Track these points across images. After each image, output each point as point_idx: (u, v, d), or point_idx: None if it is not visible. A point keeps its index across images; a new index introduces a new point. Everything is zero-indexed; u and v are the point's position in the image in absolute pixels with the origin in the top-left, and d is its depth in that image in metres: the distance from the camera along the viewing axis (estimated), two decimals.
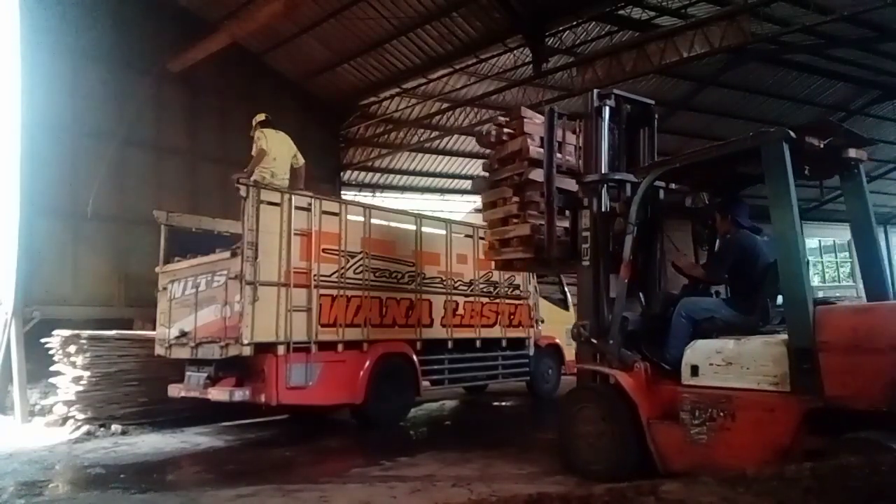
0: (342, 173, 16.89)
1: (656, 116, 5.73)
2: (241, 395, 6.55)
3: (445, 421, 8.95)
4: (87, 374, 7.57)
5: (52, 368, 7.90)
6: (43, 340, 8.05)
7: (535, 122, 5.86)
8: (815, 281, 25.95)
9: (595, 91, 5.39)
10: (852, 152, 4.41)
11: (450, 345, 8.46)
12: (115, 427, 7.43)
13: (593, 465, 4.71)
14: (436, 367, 8.29)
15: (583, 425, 4.83)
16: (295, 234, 6.85)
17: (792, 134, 4.03)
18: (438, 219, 8.75)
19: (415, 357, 7.91)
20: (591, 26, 12.57)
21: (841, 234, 27.13)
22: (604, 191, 5.11)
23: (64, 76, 10.56)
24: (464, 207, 17.92)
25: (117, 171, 11.10)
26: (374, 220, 7.84)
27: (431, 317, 8.29)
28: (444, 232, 8.69)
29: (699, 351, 4.35)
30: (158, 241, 8.01)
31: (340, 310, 7.20)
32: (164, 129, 12.19)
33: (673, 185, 5.51)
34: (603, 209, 5.06)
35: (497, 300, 9.25)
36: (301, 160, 8.14)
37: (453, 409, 9.69)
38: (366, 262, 7.57)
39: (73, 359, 7.67)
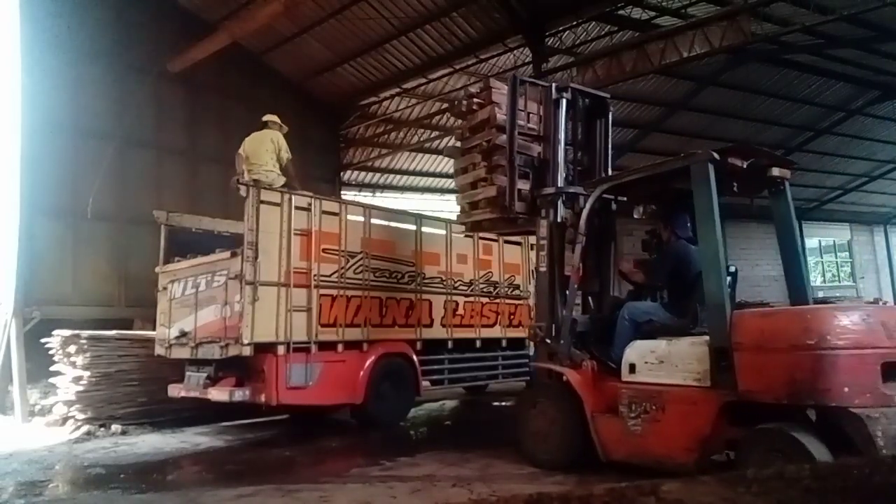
0: (342, 173, 16.89)
1: (611, 109, 6.24)
2: (241, 395, 6.56)
3: (445, 421, 8.95)
4: (87, 374, 7.57)
5: (52, 368, 7.90)
6: (43, 340, 8.05)
7: (502, 92, 6.10)
8: (816, 281, 25.95)
9: (553, 85, 5.82)
10: (776, 171, 4.82)
11: (450, 345, 8.46)
12: (115, 427, 7.43)
13: (545, 455, 5.15)
14: (436, 367, 8.30)
15: (536, 419, 5.28)
16: (295, 234, 6.86)
17: (716, 156, 4.44)
18: (438, 219, 8.75)
19: (415, 357, 7.91)
20: (591, 26, 12.57)
21: (841, 233, 27.15)
22: (559, 202, 5.59)
23: (64, 76, 10.56)
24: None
25: (117, 171, 11.10)
26: (374, 220, 7.84)
27: (431, 317, 8.30)
28: (444, 232, 8.69)
29: (636, 350, 4.79)
30: (158, 241, 8.01)
31: (340, 310, 7.21)
32: (164, 129, 12.20)
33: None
34: (559, 220, 5.53)
35: (497, 300, 9.26)
36: (285, 156, 7.83)
37: (453, 409, 9.69)
38: (366, 262, 7.57)
39: (73, 359, 7.68)
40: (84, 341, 7.68)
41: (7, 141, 9.66)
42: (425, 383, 8.19)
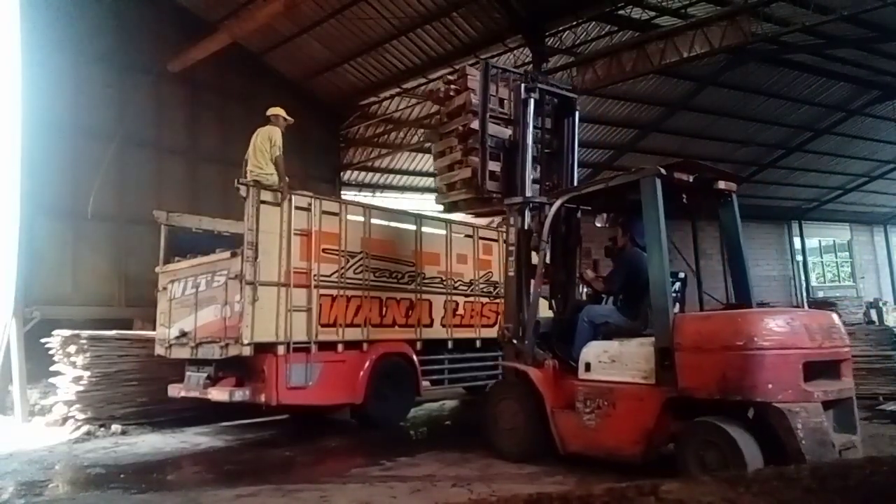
0: (342, 173, 16.89)
1: (578, 108, 6.54)
2: (241, 395, 6.55)
3: (445, 421, 8.95)
4: (87, 374, 7.57)
5: (52, 368, 7.90)
6: (43, 340, 8.05)
7: (477, 80, 6.38)
8: (815, 281, 25.96)
9: (522, 85, 6.04)
10: (722, 184, 5.19)
11: (450, 345, 8.46)
12: (115, 427, 7.43)
13: (509, 448, 5.49)
14: (436, 367, 8.29)
15: (502, 414, 5.62)
16: (295, 234, 6.85)
17: (663, 171, 4.79)
18: (438, 219, 8.74)
19: (415, 357, 7.90)
20: (591, 26, 12.58)
21: (841, 233, 27.15)
22: (526, 211, 5.91)
23: (64, 76, 10.57)
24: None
25: (117, 171, 11.11)
26: (374, 220, 7.83)
27: (431, 317, 8.29)
28: (444, 232, 8.69)
29: (592, 350, 5.13)
30: (158, 241, 8.01)
31: (340, 310, 7.20)
32: (164, 129, 12.20)
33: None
34: (526, 227, 5.86)
35: (497, 300, 9.23)
36: (276, 152, 7.25)
37: (453, 409, 9.68)
38: (366, 262, 7.56)
39: (73, 359, 7.67)
40: (84, 341, 7.68)
41: (7, 141, 9.66)
42: (425, 383, 8.18)
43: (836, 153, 21.12)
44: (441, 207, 7.23)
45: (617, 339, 5.05)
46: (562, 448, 5.13)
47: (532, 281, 5.65)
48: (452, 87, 6.66)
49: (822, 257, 27.27)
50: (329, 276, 7.16)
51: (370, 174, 17.85)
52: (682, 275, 5.48)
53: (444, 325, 8.42)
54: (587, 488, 4.47)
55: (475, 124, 6.22)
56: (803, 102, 17.54)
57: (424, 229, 8.41)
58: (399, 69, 13.66)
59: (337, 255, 7.27)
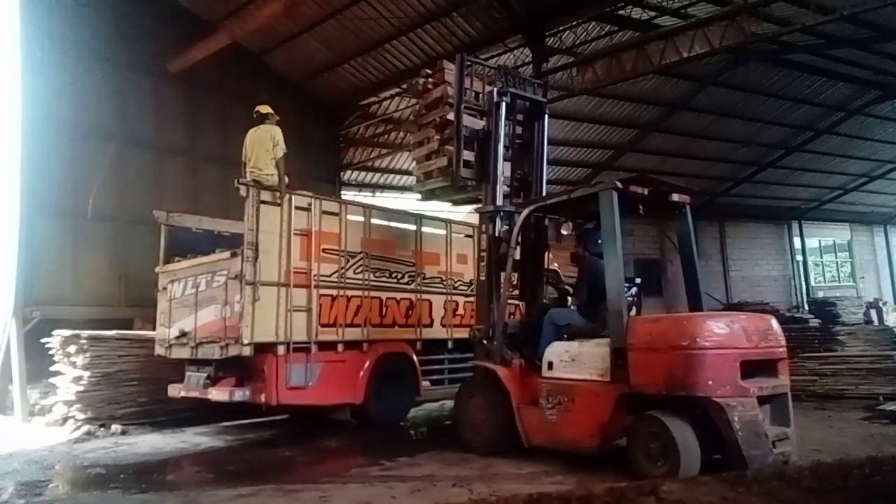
0: (342, 173, 16.88)
1: (546, 113, 6.86)
2: (241, 395, 6.56)
3: (445, 421, 8.93)
4: (87, 374, 7.58)
5: (52, 368, 7.90)
6: (43, 340, 8.05)
7: (454, 73, 6.64)
8: (815, 281, 25.95)
9: (494, 90, 6.38)
10: (675, 197, 5.57)
11: (450, 345, 8.46)
12: (115, 427, 7.43)
13: (478, 442, 5.83)
14: (436, 367, 8.29)
15: (472, 411, 6.00)
16: (295, 234, 6.86)
17: (620, 185, 5.15)
18: (438, 219, 8.74)
19: (415, 357, 7.91)
20: (591, 26, 12.57)
21: (841, 233, 27.15)
22: (497, 219, 6.20)
23: (64, 76, 10.56)
24: (464, 207, 17.89)
25: (117, 171, 11.10)
26: (374, 220, 7.84)
27: (431, 317, 8.30)
28: (444, 232, 8.69)
29: (555, 350, 5.48)
30: (158, 241, 8.01)
31: (340, 310, 7.21)
32: (164, 129, 12.19)
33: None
34: (497, 234, 6.16)
35: None
36: (280, 151, 7.17)
37: (453, 410, 9.66)
38: (366, 262, 7.57)
39: (73, 359, 7.68)
40: (84, 341, 7.68)
41: (7, 141, 9.66)
42: (425, 383, 8.18)
43: (836, 153, 21.10)
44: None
45: (577, 340, 5.41)
46: (526, 441, 5.46)
47: (502, 285, 6.01)
48: (430, 80, 6.97)
49: (822, 257, 27.26)
50: (329, 276, 7.16)
51: (370, 174, 17.84)
52: (638, 280, 5.95)
53: (444, 325, 8.43)
54: (587, 488, 4.47)
55: (451, 116, 6.51)
56: (803, 102, 17.52)
57: (424, 229, 8.41)
58: (399, 69, 13.64)
59: (337, 255, 7.28)
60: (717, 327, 4.59)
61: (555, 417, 5.24)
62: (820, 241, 26.95)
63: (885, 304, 21.42)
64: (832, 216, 26.07)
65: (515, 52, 12.81)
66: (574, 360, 5.27)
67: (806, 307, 21.83)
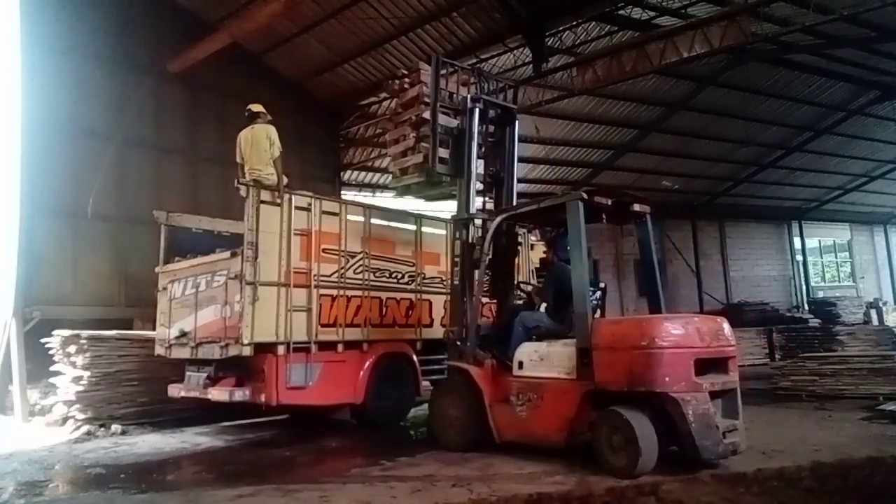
0: (342, 173, 16.88)
1: (517, 119, 7.17)
2: (241, 395, 6.55)
3: None
4: (87, 374, 7.57)
5: (52, 368, 7.90)
6: (43, 340, 8.05)
7: (429, 74, 6.88)
8: (815, 281, 25.96)
9: (468, 97, 6.74)
10: (637, 207, 5.95)
11: None
12: (115, 427, 7.43)
13: (452, 439, 6.05)
14: (436, 367, 8.26)
15: (447, 409, 6.21)
16: (295, 233, 6.85)
17: (585, 196, 5.45)
18: (438, 219, 8.73)
19: (415, 357, 7.91)
20: (591, 26, 12.57)
21: (841, 233, 27.17)
22: (471, 226, 6.47)
23: (64, 76, 10.56)
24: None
25: (117, 171, 11.10)
26: (374, 220, 7.84)
27: (431, 317, 8.29)
28: (444, 232, 8.67)
29: (524, 350, 5.74)
30: (158, 241, 8.00)
31: (340, 310, 7.20)
32: (164, 129, 12.20)
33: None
34: (470, 240, 6.42)
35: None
36: (276, 151, 7.16)
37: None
38: (366, 262, 7.56)
39: (73, 359, 7.67)
40: (84, 341, 7.68)
41: (7, 141, 9.66)
42: (425, 383, 8.17)
43: (836, 153, 21.12)
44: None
45: (546, 341, 5.66)
46: (498, 437, 5.73)
47: (475, 289, 6.24)
48: (406, 80, 7.22)
49: (822, 257, 27.28)
50: (329, 276, 7.16)
51: (370, 174, 17.85)
52: (602, 284, 6.28)
53: (444, 326, 8.41)
54: (587, 488, 4.48)
55: (427, 114, 6.75)
56: (803, 102, 17.53)
57: (424, 229, 8.41)
58: (399, 69, 13.62)
59: (337, 255, 7.28)
60: (673, 328, 4.93)
61: (525, 414, 5.51)
62: (820, 241, 26.97)
63: (885, 304, 21.45)
64: (832, 216, 26.09)
65: (515, 52, 12.81)
66: (543, 359, 5.54)
67: (806, 307, 21.83)
